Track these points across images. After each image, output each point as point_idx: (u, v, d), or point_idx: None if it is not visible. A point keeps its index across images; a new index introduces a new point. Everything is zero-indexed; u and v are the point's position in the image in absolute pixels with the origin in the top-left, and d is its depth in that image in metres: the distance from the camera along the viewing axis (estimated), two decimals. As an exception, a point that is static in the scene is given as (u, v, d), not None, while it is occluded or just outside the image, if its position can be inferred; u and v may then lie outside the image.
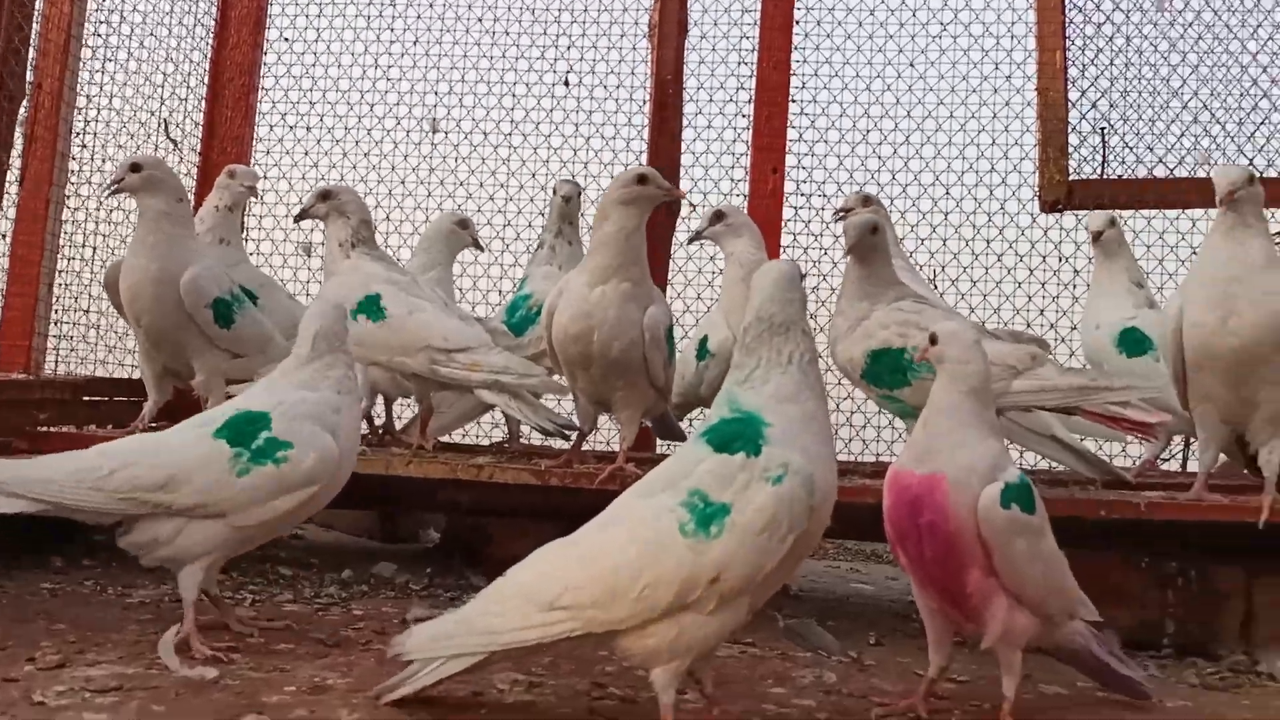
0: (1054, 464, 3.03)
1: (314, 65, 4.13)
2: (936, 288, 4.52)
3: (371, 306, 2.82)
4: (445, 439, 3.32)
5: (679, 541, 1.63)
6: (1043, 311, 4.42)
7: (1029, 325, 4.39)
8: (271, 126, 4.05)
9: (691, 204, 4.33)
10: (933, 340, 1.98)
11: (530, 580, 1.70)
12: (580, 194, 3.45)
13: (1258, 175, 2.44)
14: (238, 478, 2.05)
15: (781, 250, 3.73)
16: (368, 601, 2.60)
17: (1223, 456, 2.75)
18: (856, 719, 1.95)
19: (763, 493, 1.65)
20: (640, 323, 2.55)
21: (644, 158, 4.12)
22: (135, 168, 2.83)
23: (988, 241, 4.48)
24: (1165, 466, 3.51)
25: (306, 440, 2.09)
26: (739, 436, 1.69)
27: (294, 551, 3.08)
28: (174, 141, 4.03)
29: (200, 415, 2.25)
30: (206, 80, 3.92)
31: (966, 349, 1.96)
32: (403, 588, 2.77)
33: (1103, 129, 4.51)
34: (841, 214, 3.14)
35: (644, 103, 4.23)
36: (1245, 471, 2.75)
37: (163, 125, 4.00)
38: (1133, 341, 3.03)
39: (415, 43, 4.10)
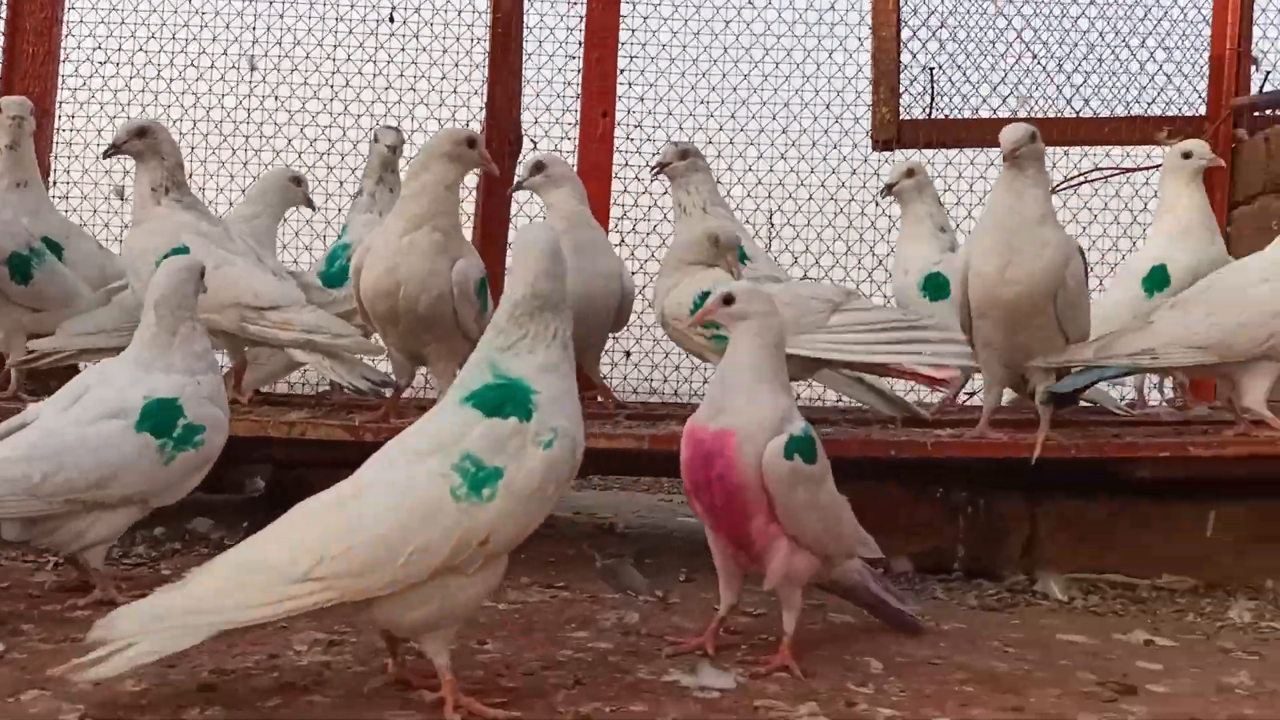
0: (861, 404, 3.20)
1: (123, -1, 3.93)
2: (773, 227, 4.65)
3: None
4: (268, 388, 3.29)
5: (451, 505, 1.67)
6: (873, 248, 4.59)
7: (860, 262, 4.57)
8: (78, 64, 3.86)
9: (533, 141, 4.33)
10: (728, 300, 2.05)
11: (278, 553, 1.66)
12: (404, 142, 3.40)
13: (1038, 134, 2.57)
14: (164, 466, 2.18)
15: (613, 195, 3.77)
16: (179, 559, 2.61)
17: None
18: (647, 660, 2.06)
19: (535, 456, 1.71)
20: (449, 276, 2.57)
21: (477, 101, 4.09)
22: None
23: (822, 181, 4.61)
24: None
25: (213, 422, 2.26)
26: (509, 400, 1.74)
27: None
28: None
29: (93, 401, 2.19)
30: (4, 13, 3.68)
31: (767, 302, 2.05)
32: (218, 544, 2.76)
33: (931, 69, 4.66)
34: (658, 169, 3.19)
35: (477, 41, 4.17)
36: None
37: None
38: (936, 286, 3.18)
39: (231, -25, 3.94)
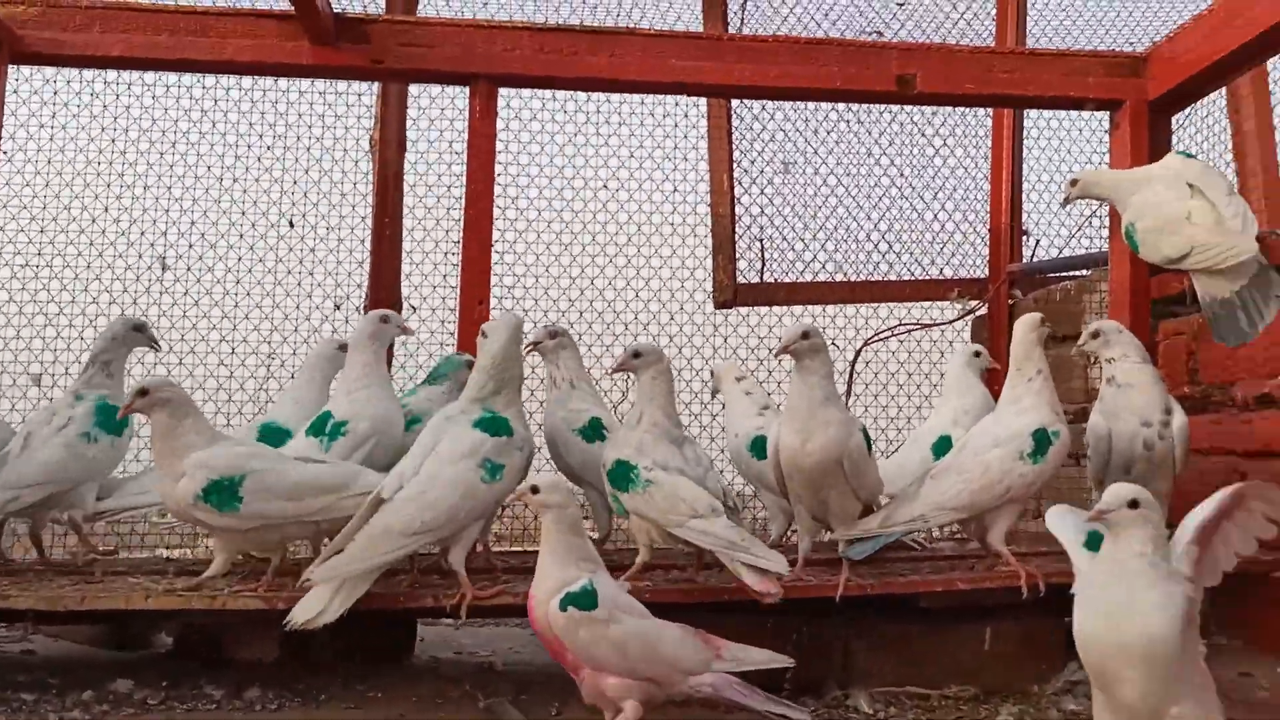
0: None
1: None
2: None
3: None
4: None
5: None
6: (714, 396, 5.25)
7: (705, 407, 5.19)
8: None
9: (413, 306, 4.89)
10: (534, 490, 2.63)
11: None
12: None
13: (811, 331, 3.16)
14: None
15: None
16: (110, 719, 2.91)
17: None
18: (517, 782, 2.50)
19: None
20: None
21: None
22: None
23: (670, 337, 5.27)
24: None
25: None
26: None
27: (32, 673, 3.31)
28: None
29: None
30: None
31: (565, 496, 2.65)
32: (141, 703, 3.05)
33: (760, 240, 5.43)
34: (531, 347, 3.70)
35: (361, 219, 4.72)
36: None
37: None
38: (760, 447, 3.73)
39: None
